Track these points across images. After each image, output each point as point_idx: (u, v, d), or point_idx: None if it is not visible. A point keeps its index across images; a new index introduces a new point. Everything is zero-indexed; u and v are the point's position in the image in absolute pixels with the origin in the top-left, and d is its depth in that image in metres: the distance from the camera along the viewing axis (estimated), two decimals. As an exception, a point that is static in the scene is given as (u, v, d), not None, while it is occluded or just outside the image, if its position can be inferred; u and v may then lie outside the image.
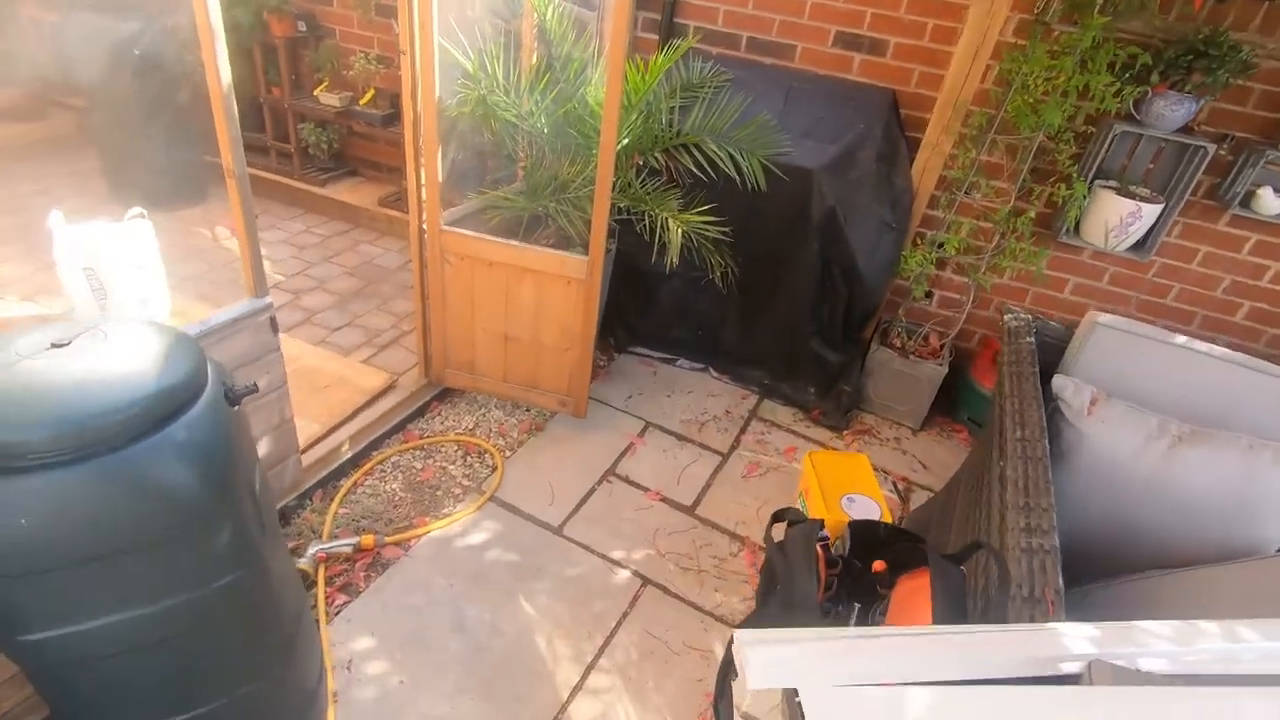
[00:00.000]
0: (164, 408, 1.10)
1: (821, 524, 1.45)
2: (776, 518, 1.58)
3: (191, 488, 1.13)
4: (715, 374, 3.27)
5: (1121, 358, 1.87)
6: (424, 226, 2.41)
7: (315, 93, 3.85)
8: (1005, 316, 2.07)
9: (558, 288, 2.41)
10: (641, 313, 3.24)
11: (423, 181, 2.33)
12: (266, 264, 3.65)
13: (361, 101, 3.79)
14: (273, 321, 1.92)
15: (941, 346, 3.08)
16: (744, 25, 3.15)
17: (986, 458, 1.95)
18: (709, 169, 2.57)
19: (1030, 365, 1.80)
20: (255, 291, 1.86)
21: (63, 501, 1.04)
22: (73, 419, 1.02)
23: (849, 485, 2.27)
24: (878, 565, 1.33)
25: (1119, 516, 1.68)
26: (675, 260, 2.36)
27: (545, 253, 2.36)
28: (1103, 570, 1.67)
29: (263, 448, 2.04)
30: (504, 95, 2.31)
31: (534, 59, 2.72)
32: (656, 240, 2.48)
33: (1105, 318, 1.90)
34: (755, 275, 2.95)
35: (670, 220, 2.34)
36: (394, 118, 3.82)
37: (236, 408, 1.25)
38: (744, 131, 2.61)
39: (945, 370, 2.97)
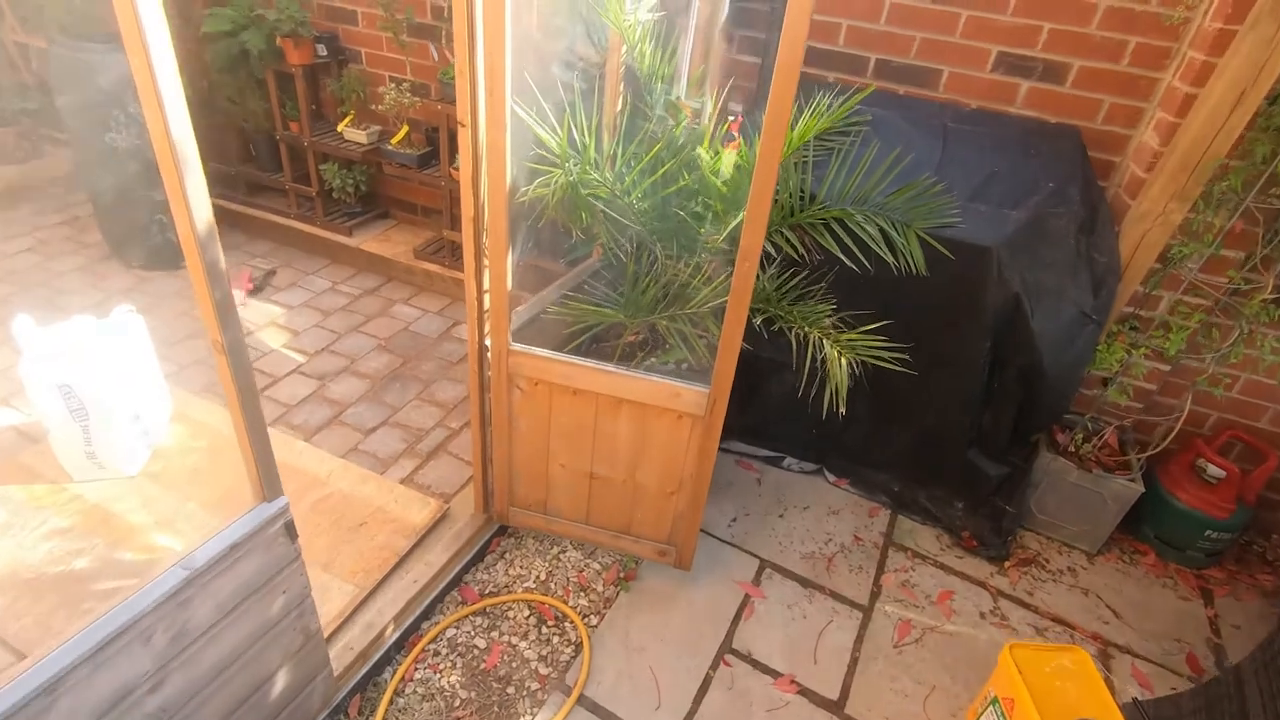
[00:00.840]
0: None
1: None
2: None
3: None
4: (832, 478, 2.65)
5: None
6: (486, 343, 1.82)
7: (339, 128, 3.26)
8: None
9: (665, 423, 1.81)
10: (742, 405, 2.62)
11: (485, 288, 1.73)
12: (284, 335, 3.11)
13: (394, 141, 3.18)
14: (288, 527, 1.35)
15: (1124, 452, 2.43)
16: (873, 45, 2.49)
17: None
18: (856, 250, 1.94)
19: None
20: (264, 494, 1.29)
21: None
22: None
23: (1075, 705, 1.65)
24: None
25: None
26: (843, 408, 1.70)
27: (651, 381, 1.75)
28: None
29: (280, 682, 1.49)
30: (597, 174, 1.67)
31: (620, 105, 2.10)
32: (806, 359, 1.81)
33: None
34: (894, 371, 2.32)
35: (826, 342, 1.70)
36: (432, 156, 3.22)
37: None
38: (900, 198, 1.97)
39: (1140, 489, 2.32)
